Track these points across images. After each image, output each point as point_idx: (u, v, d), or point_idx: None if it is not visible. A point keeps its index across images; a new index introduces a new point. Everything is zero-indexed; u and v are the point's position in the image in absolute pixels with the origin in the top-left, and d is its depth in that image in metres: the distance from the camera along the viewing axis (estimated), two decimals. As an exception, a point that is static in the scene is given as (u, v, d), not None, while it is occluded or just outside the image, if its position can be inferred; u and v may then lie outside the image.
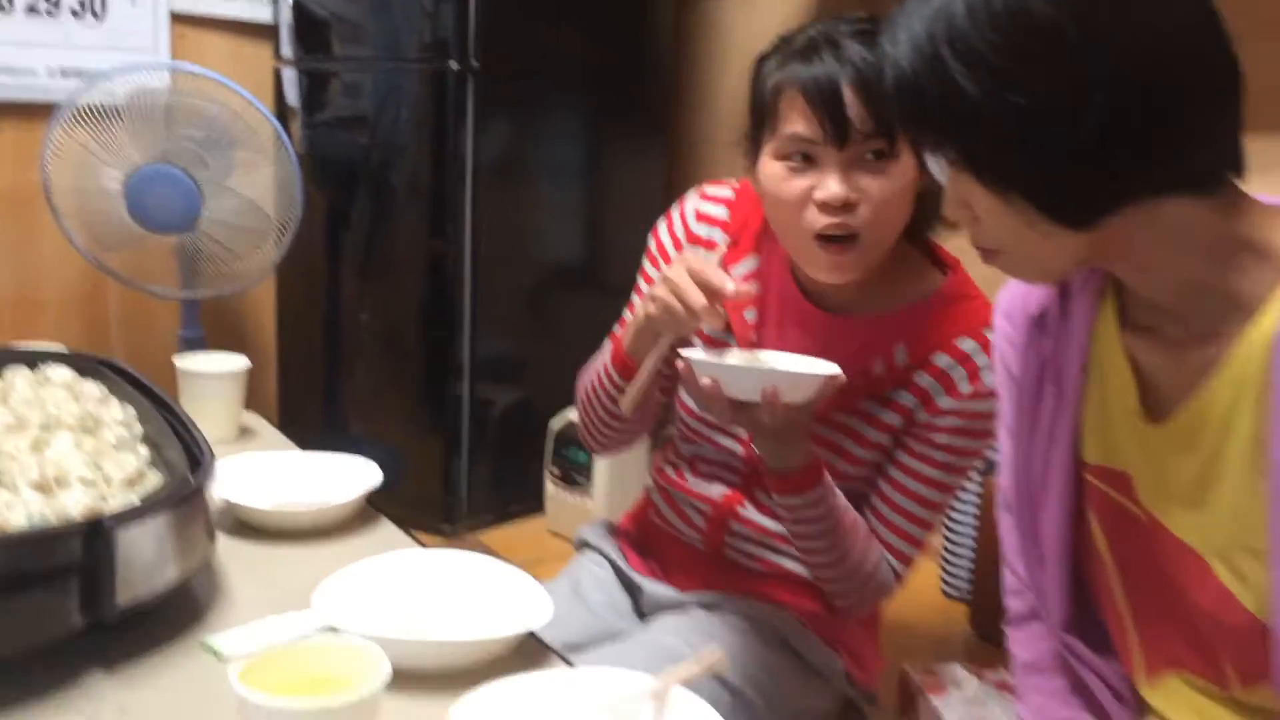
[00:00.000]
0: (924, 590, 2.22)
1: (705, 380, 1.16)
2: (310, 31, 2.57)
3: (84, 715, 0.87)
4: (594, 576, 1.56)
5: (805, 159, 1.23)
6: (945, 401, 1.31)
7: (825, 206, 1.23)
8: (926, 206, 1.30)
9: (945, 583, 2.21)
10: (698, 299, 1.17)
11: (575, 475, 2.41)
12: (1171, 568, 0.98)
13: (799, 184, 1.24)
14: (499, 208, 2.45)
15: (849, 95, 1.20)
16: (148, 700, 0.89)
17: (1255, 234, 0.88)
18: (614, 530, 1.63)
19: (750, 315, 1.39)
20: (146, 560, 0.93)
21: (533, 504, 2.55)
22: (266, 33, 2.68)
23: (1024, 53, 0.82)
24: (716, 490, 1.46)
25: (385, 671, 0.77)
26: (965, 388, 1.30)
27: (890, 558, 1.38)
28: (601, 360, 1.41)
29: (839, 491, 1.31)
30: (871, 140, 1.21)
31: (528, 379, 2.63)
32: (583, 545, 1.63)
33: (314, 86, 2.59)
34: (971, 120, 0.84)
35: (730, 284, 1.17)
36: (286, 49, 2.61)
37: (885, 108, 1.16)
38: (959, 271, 1.37)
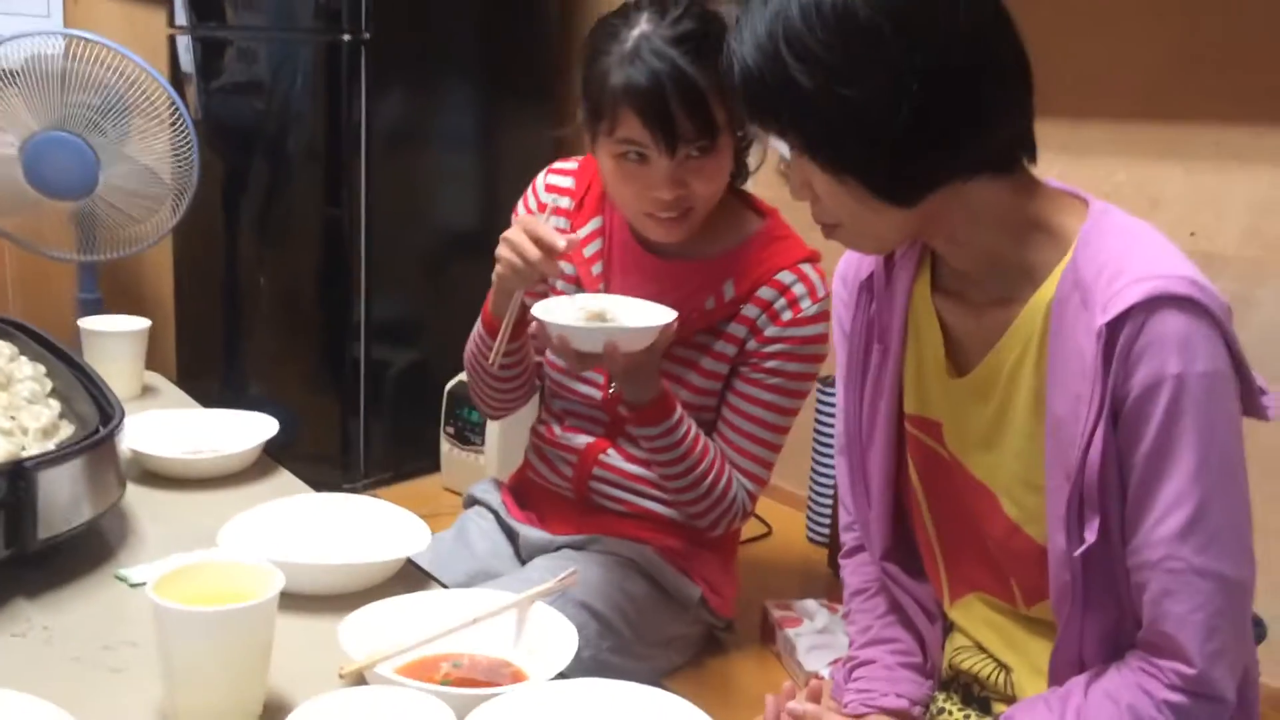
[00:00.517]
0: (792, 536, 2.38)
1: (555, 338, 1.32)
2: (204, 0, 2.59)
3: (15, 635, 0.97)
4: (479, 527, 1.69)
5: (639, 156, 1.39)
6: (771, 329, 1.48)
7: (659, 202, 1.40)
8: (739, 162, 1.51)
9: (810, 529, 2.37)
10: (533, 252, 1.34)
11: (469, 434, 2.48)
12: (970, 503, 1.11)
13: (634, 178, 1.41)
14: (393, 174, 2.50)
15: (675, 105, 1.34)
16: (68, 622, 1.00)
17: (1045, 214, 1.00)
18: (499, 486, 1.76)
19: (597, 269, 1.55)
20: (64, 500, 1.03)
21: (428, 462, 2.61)
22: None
23: (849, 50, 0.90)
24: (581, 440, 1.61)
25: (280, 582, 0.87)
26: (786, 315, 1.48)
27: (742, 478, 1.54)
28: (476, 327, 1.55)
29: (691, 421, 1.48)
30: (696, 141, 1.38)
31: (423, 341, 2.68)
32: (471, 501, 1.77)
33: (209, 54, 2.60)
34: (807, 111, 0.93)
35: (560, 240, 1.34)
36: (181, 16, 2.62)
37: (706, 113, 1.35)
38: (774, 216, 1.56)
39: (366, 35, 2.38)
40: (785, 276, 1.48)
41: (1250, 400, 0.94)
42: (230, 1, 2.56)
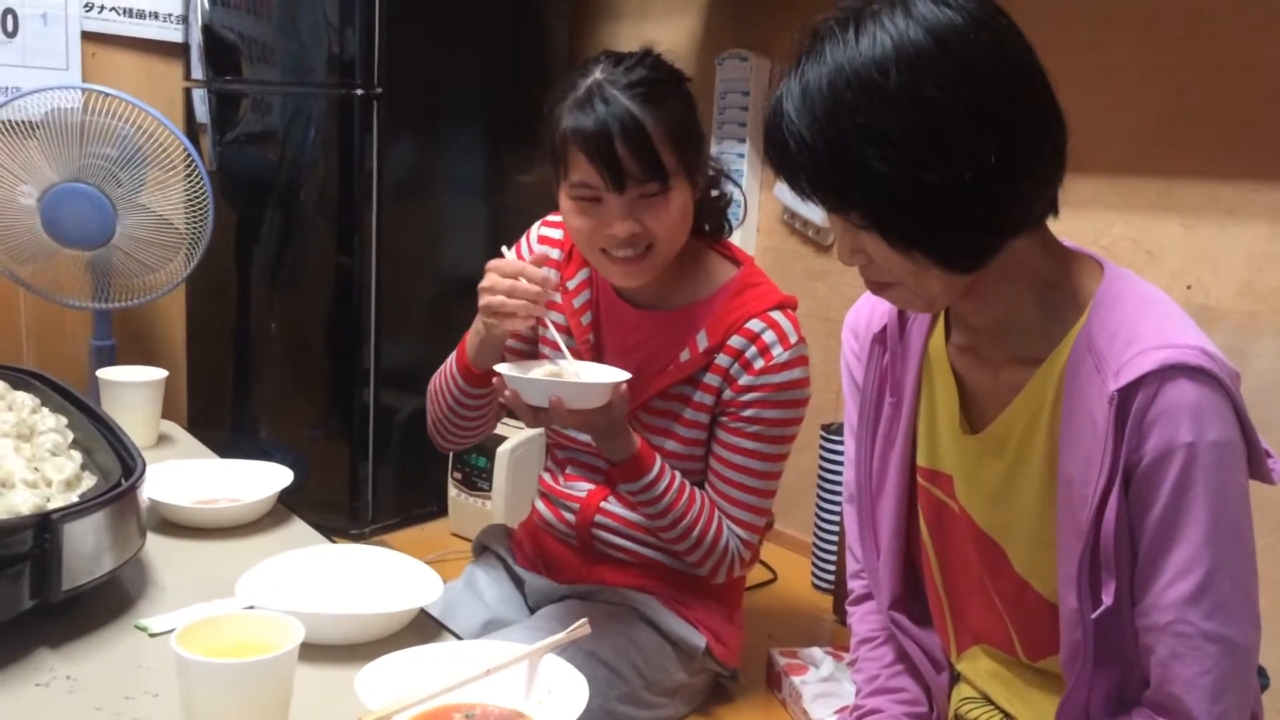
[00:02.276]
0: (797, 583, 2.39)
1: (508, 391, 1.38)
2: (220, 53, 2.63)
3: (40, 685, 0.99)
4: (488, 575, 1.71)
5: (593, 199, 1.44)
6: (745, 378, 1.51)
7: (613, 240, 1.44)
8: (708, 214, 1.56)
9: (815, 576, 2.38)
10: (530, 287, 1.40)
11: (476, 480, 2.51)
12: (978, 557, 1.13)
13: (590, 219, 1.46)
14: (403, 223, 2.54)
15: (620, 146, 1.39)
16: (90, 672, 1.02)
17: (1063, 275, 1.02)
18: (508, 534, 1.78)
19: (586, 319, 1.59)
20: (87, 551, 1.05)
21: (436, 507, 2.65)
22: (177, 51, 2.74)
23: (929, 135, 0.87)
24: (583, 487, 1.63)
25: (300, 634, 0.90)
26: (759, 363, 1.51)
27: (734, 527, 1.56)
28: (448, 364, 1.59)
29: (676, 473, 1.51)
30: (646, 184, 1.42)
31: None
32: (481, 549, 1.79)
33: (224, 106, 2.64)
34: (882, 194, 0.90)
35: (546, 273, 1.41)
36: (197, 70, 2.67)
37: (653, 155, 1.40)
38: (748, 264, 1.59)
39: (379, 89, 2.43)
40: (755, 324, 1.51)
41: (1257, 465, 0.96)
42: (246, 56, 2.61)
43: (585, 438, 1.60)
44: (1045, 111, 0.93)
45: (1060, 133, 0.95)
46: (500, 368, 1.40)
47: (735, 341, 1.51)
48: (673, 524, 1.51)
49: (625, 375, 1.42)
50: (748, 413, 1.52)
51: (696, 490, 1.54)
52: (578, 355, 1.56)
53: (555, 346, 1.53)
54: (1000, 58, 0.91)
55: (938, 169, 0.88)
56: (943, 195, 0.89)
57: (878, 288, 1.02)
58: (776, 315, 1.52)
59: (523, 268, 1.42)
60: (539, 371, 1.44)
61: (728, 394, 1.53)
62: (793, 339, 1.51)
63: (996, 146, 0.88)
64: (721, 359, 1.52)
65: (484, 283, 1.44)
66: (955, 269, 0.95)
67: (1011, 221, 0.95)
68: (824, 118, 0.89)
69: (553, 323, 1.53)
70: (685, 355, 1.53)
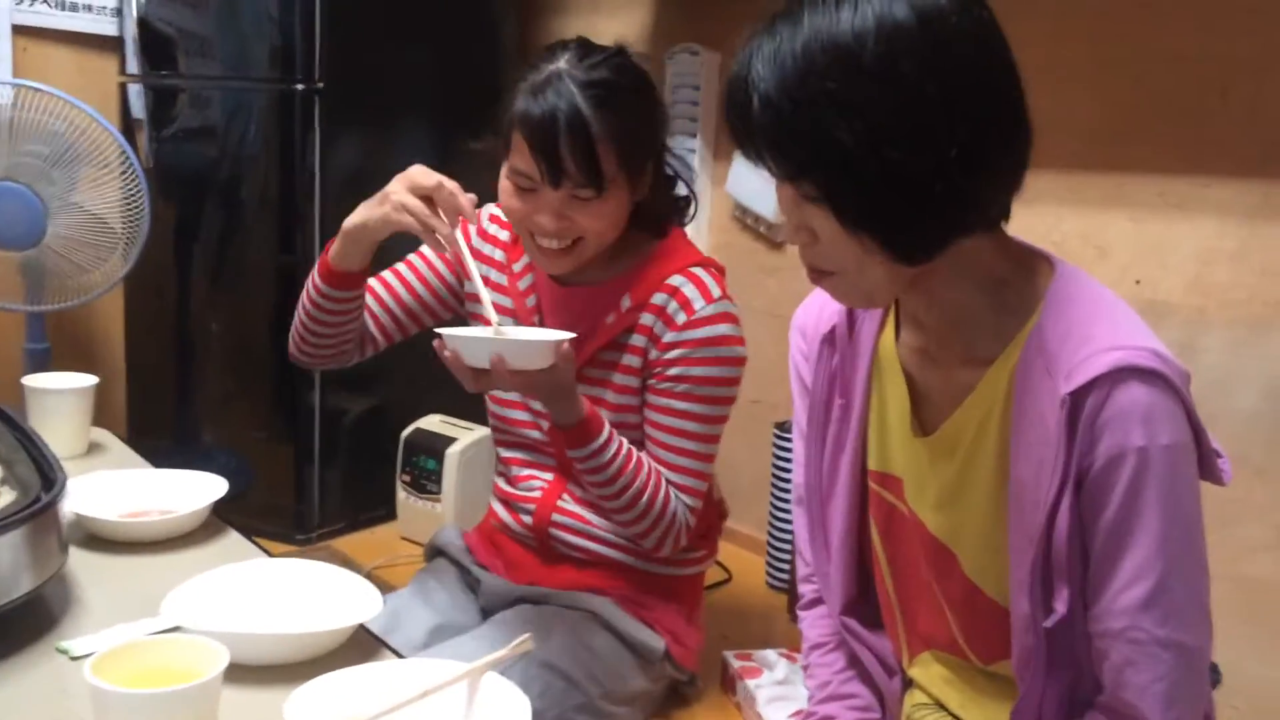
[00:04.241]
0: (752, 582, 2.38)
1: (447, 352, 1.34)
2: (156, 47, 2.57)
3: (-54, 714, 0.94)
4: (438, 580, 1.68)
5: (529, 188, 1.44)
6: (669, 335, 1.50)
7: (541, 229, 1.44)
8: (647, 213, 1.54)
9: (770, 575, 2.37)
10: (416, 204, 1.40)
11: (425, 482, 2.47)
12: (928, 561, 1.11)
13: (522, 204, 1.46)
14: (348, 221, 2.51)
15: (564, 147, 1.38)
16: (8, 698, 0.96)
17: (1014, 273, 1.00)
18: (461, 536, 1.75)
19: (531, 300, 1.58)
20: (3, 571, 1.00)
21: (384, 511, 2.61)
22: (112, 45, 2.68)
23: (898, 109, 0.85)
24: (536, 486, 1.60)
25: (224, 661, 0.85)
26: (681, 317, 1.50)
27: (678, 493, 1.54)
28: (312, 274, 1.56)
29: (624, 440, 1.49)
30: (581, 187, 1.41)
31: (378, 388, 2.66)
32: (434, 552, 1.75)
33: (161, 101, 2.59)
34: (841, 165, 0.87)
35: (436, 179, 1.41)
36: (132, 64, 2.61)
37: (593, 159, 1.39)
38: (675, 234, 1.58)
39: (320, 84, 2.38)
40: (675, 279, 1.51)
41: (1207, 465, 0.95)
42: (183, 49, 2.55)
43: (527, 417, 1.59)
44: (1016, 114, 0.92)
45: (1026, 138, 0.93)
46: (441, 330, 1.36)
47: (657, 298, 1.51)
48: (620, 491, 1.48)
49: (569, 335, 1.39)
50: (674, 370, 1.51)
51: (644, 457, 1.52)
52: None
53: (476, 299, 1.53)
54: (980, 48, 0.89)
55: (901, 147, 0.86)
56: (902, 175, 0.87)
57: (817, 275, 0.99)
58: (698, 271, 1.52)
59: (455, 185, 1.41)
60: (479, 332, 1.41)
61: (653, 353, 1.52)
62: (715, 293, 1.50)
63: (963, 136, 0.87)
64: (645, 317, 1.51)
65: (409, 173, 1.43)
66: (901, 258, 0.92)
67: (965, 218, 0.93)
68: (793, 79, 0.87)
69: (495, 303, 1.51)
70: (611, 319, 1.52)
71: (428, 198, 1.41)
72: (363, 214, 1.46)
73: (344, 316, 1.56)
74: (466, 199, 1.41)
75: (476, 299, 1.51)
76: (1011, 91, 0.91)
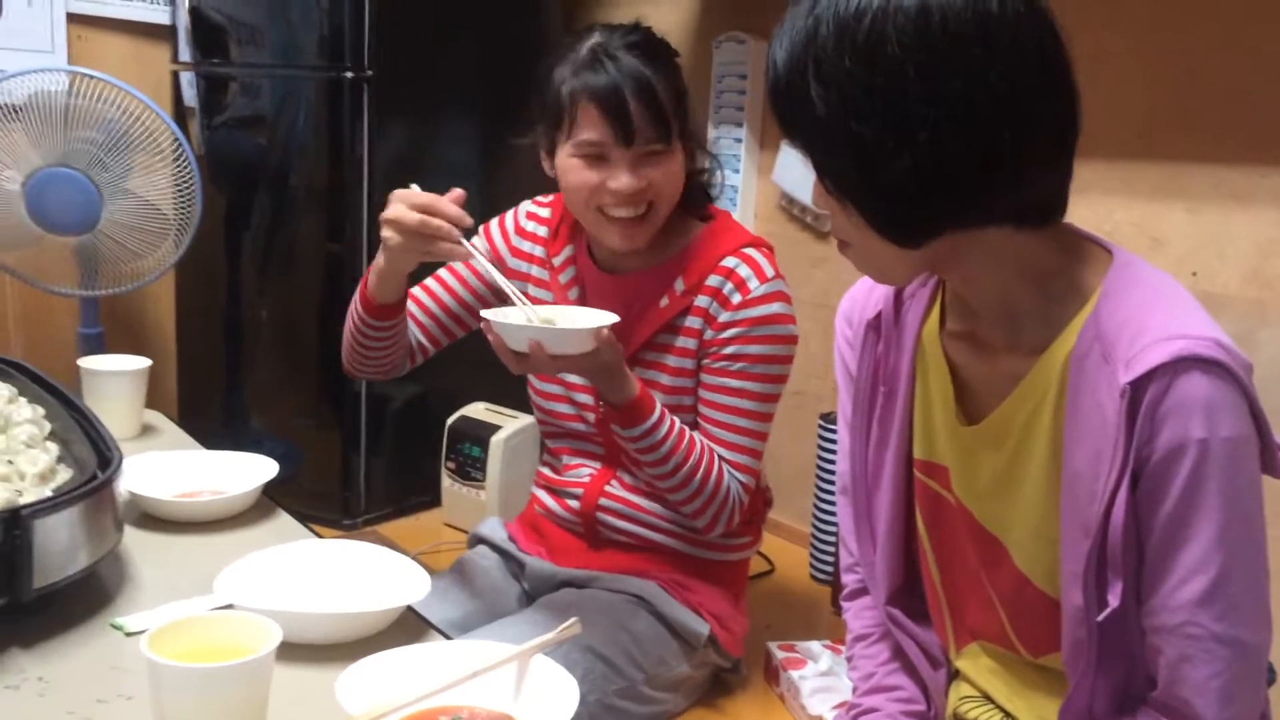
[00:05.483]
0: (795, 574, 2.37)
1: (491, 336, 1.36)
2: (208, 36, 2.59)
3: (10, 687, 0.96)
4: (482, 564, 1.69)
5: (599, 156, 1.45)
6: (724, 315, 1.52)
7: (618, 195, 1.45)
8: (693, 187, 1.58)
9: (814, 567, 2.36)
10: (411, 218, 1.39)
11: (470, 469, 2.49)
12: (977, 552, 1.09)
13: (596, 173, 1.47)
14: (396, 209, 2.52)
15: (633, 105, 1.43)
16: (63, 674, 0.98)
17: (1067, 263, 0.97)
18: (503, 527, 1.76)
19: (574, 294, 1.60)
20: (60, 548, 1.01)
21: (429, 497, 2.62)
22: (164, 34, 2.70)
23: (871, 84, 0.86)
24: (585, 473, 1.61)
25: (277, 638, 0.86)
26: (736, 298, 1.51)
27: (732, 471, 1.54)
28: (357, 292, 1.58)
29: (676, 419, 1.50)
30: (652, 142, 1.46)
31: (424, 376, 2.61)
32: (476, 541, 1.76)
33: (212, 89, 2.61)
34: (816, 135, 0.91)
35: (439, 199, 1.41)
36: (184, 52, 2.63)
37: (660, 110, 1.45)
38: (721, 216, 1.61)
39: (369, 72, 2.40)
40: (730, 261, 1.53)
41: (1269, 459, 0.93)
42: (234, 38, 2.58)
43: (571, 410, 1.60)
44: (1027, 104, 0.88)
45: (1052, 133, 0.90)
46: (485, 313, 1.39)
47: (712, 280, 1.53)
48: (675, 469, 1.49)
49: (610, 318, 1.41)
50: (730, 349, 1.52)
51: (696, 435, 1.52)
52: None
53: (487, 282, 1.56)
54: (983, 43, 0.86)
55: (866, 122, 0.86)
56: (867, 153, 0.87)
57: (842, 246, 1.01)
58: (751, 251, 1.54)
59: (432, 199, 1.41)
60: (520, 316, 1.42)
61: (709, 334, 1.53)
62: (769, 273, 1.53)
63: (933, 120, 0.85)
64: (700, 299, 1.53)
65: (388, 213, 1.42)
66: (889, 237, 0.93)
67: (961, 207, 0.91)
68: (794, 49, 0.90)
69: (535, 298, 1.53)
70: (665, 302, 1.54)
71: (424, 210, 1.41)
72: (381, 259, 1.49)
73: (390, 337, 1.59)
74: (453, 208, 1.42)
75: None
76: (1031, 93, 0.88)
